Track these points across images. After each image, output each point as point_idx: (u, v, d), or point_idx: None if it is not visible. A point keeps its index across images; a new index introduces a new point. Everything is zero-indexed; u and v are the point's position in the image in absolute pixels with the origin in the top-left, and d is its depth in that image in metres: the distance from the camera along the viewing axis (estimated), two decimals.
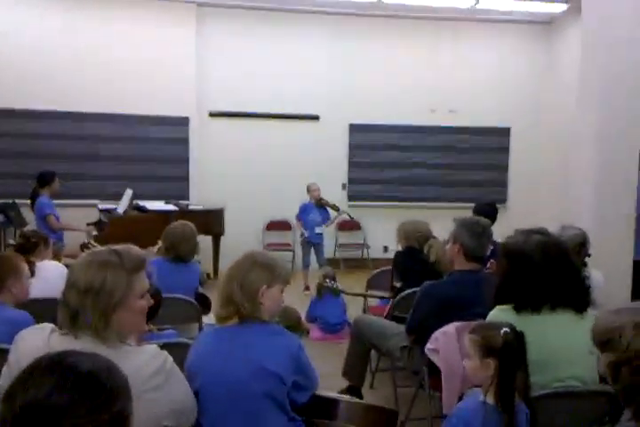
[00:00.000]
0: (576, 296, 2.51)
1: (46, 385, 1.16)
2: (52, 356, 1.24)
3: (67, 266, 3.61)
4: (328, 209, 7.44)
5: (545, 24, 9.09)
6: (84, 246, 4.13)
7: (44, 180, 6.70)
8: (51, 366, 1.21)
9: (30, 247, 3.74)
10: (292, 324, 4.20)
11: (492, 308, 2.55)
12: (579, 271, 2.61)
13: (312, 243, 7.42)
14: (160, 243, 4.05)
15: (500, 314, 2.49)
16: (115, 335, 1.80)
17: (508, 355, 2.12)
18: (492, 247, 4.59)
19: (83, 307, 1.78)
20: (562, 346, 2.41)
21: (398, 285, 4.40)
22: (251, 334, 2.20)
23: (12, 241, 3.80)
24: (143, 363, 1.79)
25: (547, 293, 2.45)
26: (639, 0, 5.05)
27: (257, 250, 2.42)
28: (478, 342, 2.18)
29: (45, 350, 1.33)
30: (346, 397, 2.63)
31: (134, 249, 1.95)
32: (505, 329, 2.16)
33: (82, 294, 1.78)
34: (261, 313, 2.22)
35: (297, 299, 5.89)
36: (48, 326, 1.87)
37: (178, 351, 2.48)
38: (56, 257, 5.96)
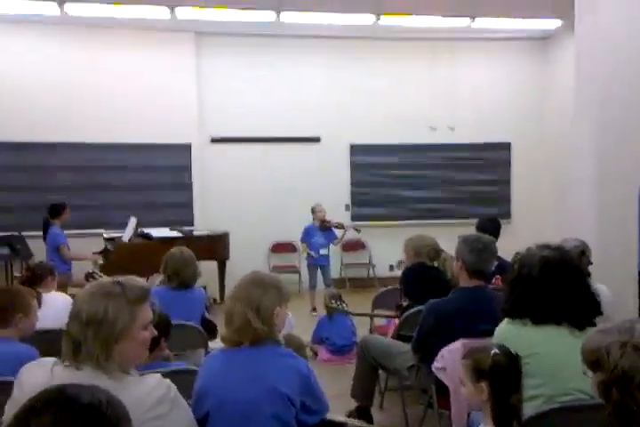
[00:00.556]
0: (584, 310, 2.52)
1: (47, 418, 1.17)
2: (52, 389, 1.26)
3: (72, 296, 3.64)
4: (333, 229, 7.47)
5: (540, 40, 9.18)
6: (88, 276, 4.16)
7: (56, 210, 6.78)
8: (51, 400, 1.22)
9: (36, 279, 3.77)
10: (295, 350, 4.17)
11: (500, 320, 2.57)
12: (586, 285, 2.62)
13: (318, 265, 7.43)
14: (161, 273, 4.05)
15: (509, 327, 2.52)
16: (116, 366, 1.80)
17: (499, 376, 2.10)
18: (496, 263, 4.61)
19: (85, 338, 1.79)
20: (572, 358, 2.40)
21: (405, 303, 4.38)
22: (261, 355, 2.21)
23: (17, 273, 3.81)
24: (146, 392, 1.79)
25: (555, 306, 2.47)
26: (632, 13, 5.10)
27: (259, 271, 2.42)
28: (470, 366, 2.17)
29: (48, 383, 1.34)
30: (355, 421, 2.62)
31: (137, 280, 1.96)
32: (494, 351, 2.14)
33: (84, 325, 1.79)
34: (276, 335, 2.26)
35: (304, 321, 5.88)
36: (50, 359, 1.88)
37: (184, 378, 2.49)
38: (63, 287, 6.03)
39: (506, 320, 2.56)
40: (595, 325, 2.51)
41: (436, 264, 4.50)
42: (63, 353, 1.83)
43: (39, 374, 1.80)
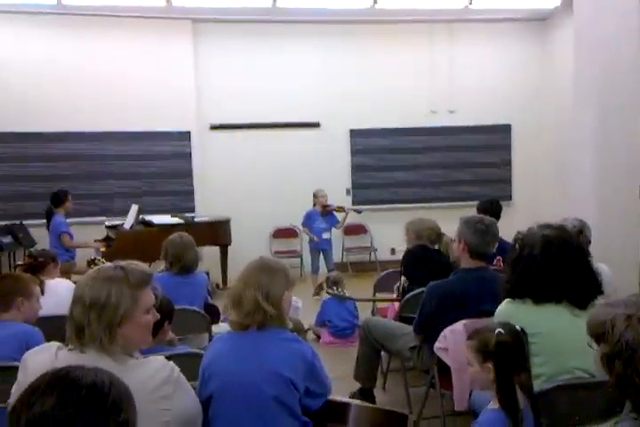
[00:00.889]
0: (585, 288, 2.53)
1: (50, 400, 1.19)
2: (54, 371, 1.27)
3: (75, 283, 3.65)
4: (334, 213, 7.49)
5: (539, 21, 9.11)
6: (90, 262, 4.18)
7: (59, 199, 6.78)
8: (53, 381, 1.23)
9: (38, 267, 3.79)
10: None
11: (502, 300, 2.59)
12: (588, 264, 2.63)
13: (320, 249, 7.45)
14: (162, 259, 4.06)
15: (510, 307, 2.54)
16: (120, 349, 1.83)
17: (503, 355, 2.11)
18: (497, 244, 4.62)
19: (88, 321, 1.81)
20: (572, 337, 2.42)
21: (405, 284, 4.39)
22: (267, 339, 2.24)
23: (20, 262, 3.83)
24: (149, 374, 1.81)
25: (557, 284, 2.48)
26: None
27: (265, 257, 2.46)
28: (475, 347, 2.19)
29: (53, 367, 1.35)
30: (357, 401, 2.65)
31: (139, 265, 1.98)
32: (498, 330, 2.15)
33: (87, 309, 1.81)
34: (285, 318, 2.30)
35: (307, 304, 5.90)
36: (54, 344, 1.90)
37: (188, 361, 2.51)
38: (66, 274, 6.06)
39: (506, 300, 2.57)
40: (594, 302, 2.53)
41: (437, 247, 4.51)
42: (67, 337, 1.85)
43: (44, 359, 1.82)
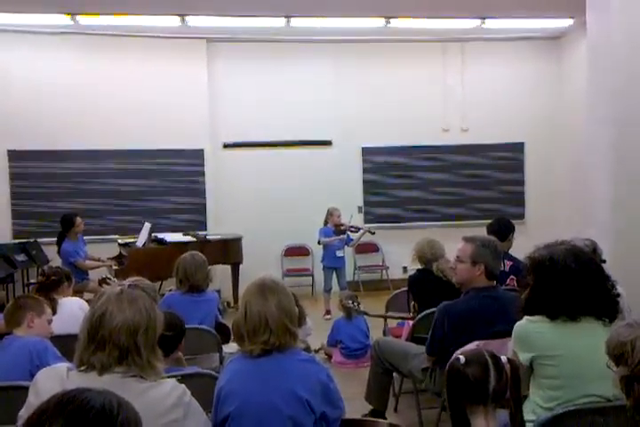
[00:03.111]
0: (606, 304, 2.50)
1: (59, 422, 1.18)
2: (63, 393, 1.26)
3: (88, 301, 3.66)
4: (348, 232, 7.44)
5: (552, 39, 9.12)
6: (102, 281, 4.18)
7: (66, 223, 6.79)
8: (62, 404, 1.23)
9: (51, 285, 3.80)
10: None
11: (519, 319, 2.55)
12: (608, 278, 2.60)
13: (334, 267, 7.41)
14: (174, 277, 4.06)
15: (529, 324, 2.49)
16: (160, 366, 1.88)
17: (457, 386, 1.94)
18: (510, 263, 4.59)
19: (135, 345, 1.83)
20: (591, 360, 2.37)
21: (417, 306, 4.38)
22: (284, 359, 2.22)
23: (33, 280, 3.84)
24: (161, 397, 1.81)
25: (579, 299, 2.44)
26: None
27: (266, 277, 2.38)
28: None
29: (63, 388, 1.35)
30: (371, 419, 2.63)
31: (145, 280, 2.00)
32: (461, 356, 1.97)
33: (131, 333, 1.83)
34: (299, 340, 2.30)
35: (318, 324, 5.86)
36: (64, 365, 1.90)
37: (198, 382, 2.50)
38: (79, 293, 6.07)
39: (526, 318, 2.52)
40: (614, 320, 2.49)
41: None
42: (101, 362, 1.82)
43: (54, 380, 1.82)
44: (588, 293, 2.46)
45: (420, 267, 4.58)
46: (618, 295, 2.57)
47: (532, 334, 2.45)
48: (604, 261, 3.75)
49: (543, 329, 2.46)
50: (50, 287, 3.77)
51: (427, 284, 4.28)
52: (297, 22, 7.78)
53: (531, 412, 2.41)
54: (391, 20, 7.75)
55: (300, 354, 2.27)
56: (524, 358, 2.46)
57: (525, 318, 2.52)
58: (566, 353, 2.38)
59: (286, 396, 2.13)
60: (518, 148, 9.22)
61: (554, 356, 2.37)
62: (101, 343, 1.82)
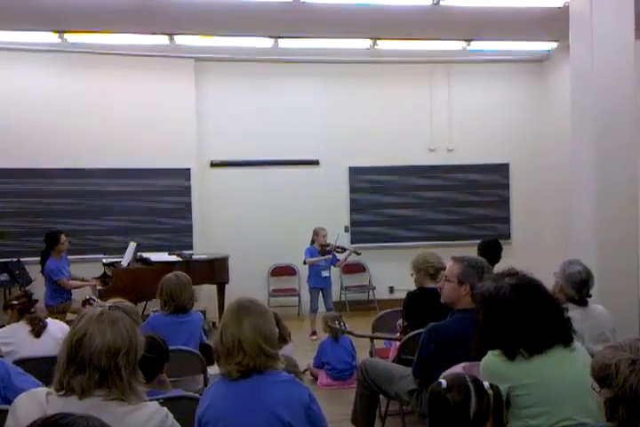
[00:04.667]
0: (560, 330, 2.48)
1: None
2: (46, 418, 1.24)
3: (69, 323, 3.61)
4: (334, 253, 7.42)
5: (537, 62, 9.26)
6: (85, 302, 4.13)
7: (51, 240, 6.72)
8: None
9: (32, 304, 3.73)
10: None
11: (479, 356, 2.50)
12: (557, 305, 2.58)
13: (320, 287, 7.37)
14: (157, 298, 4.02)
15: (493, 360, 2.44)
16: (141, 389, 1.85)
17: (439, 411, 1.93)
18: None
19: (116, 368, 1.80)
20: (562, 383, 2.37)
21: (405, 325, 4.33)
22: (264, 381, 2.19)
23: (15, 301, 3.76)
24: (144, 420, 1.79)
25: (531, 333, 2.40)
26: (625, 30, 5.16)
27: (248, 298, 2.38)
28: None
29: (43, 413, 1.32)
30: None
31: (126, 302, 1.98)
32: (442, 381, 1.96)
33: (112, 356, 1.80)
34: (279, 358, 2.26)
35: (304, 345, 5.83)
36: (42, 389, 1.86)
37: (182, 405, 2.46)
38: (62, 314, 6.01)
39: (490, 353, 2.46)
40: (572, 342, 2.48)
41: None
42: (80, 385, 1.79)
43: (33, 405, 1.78)
44: (539, 324, 2.42)
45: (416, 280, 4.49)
46: (568, 320, 2.54)
47: (501, 367, 2.40)
48: (590, 296, 3.74)
49: (504, 365, 2.40)
50: (30, 307, 3.71)
51: (425, 305, 4.16)
52: (285, 43, 7.85)
53: None
54: (378, 42, 7.85)
55: (280, 375, 2.23)
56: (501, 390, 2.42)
57: (489, 352, 2.46)
58: (537, 380, 2.35)
59: (268, 420, 2.10)
60: (503, 168, 9.30)
61: (527, 384, 2.34)
62: (81, 366, 1.79)
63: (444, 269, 4.29)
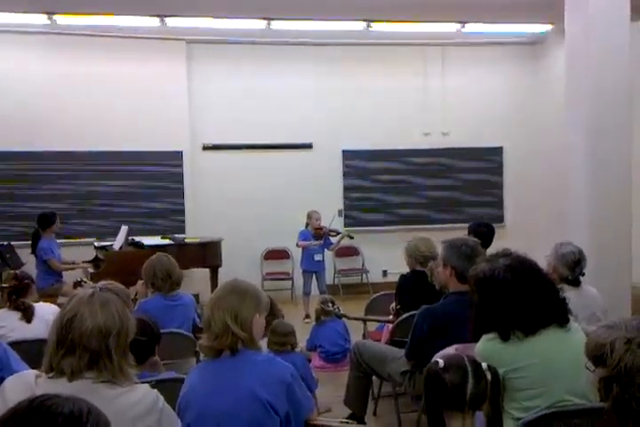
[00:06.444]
0: (556, 310, 2.47)
1: None
2: (30, 400, 1.23)
3: (60, 305, 3.59)
4: (328, 236, 7.41)
5: (532, 44, 9.21)
6: (77, 284, 4.11)
7: (46, 221, 6.68)
8: (30, 410, 1.20)
9: (23, 288, 3.71)
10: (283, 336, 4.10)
11: (475, 339, 2.48)
12: (552, 285, 2.57)
13: (313, 271, 7.37)
14: (147, 282, 3.99)
15: (488, 344, 2.42)
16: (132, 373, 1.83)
17: (435, 392, 1.92)
18: None
19: (107, 350, 1.78)
20: (558, 364, 2.37)
21: (398, 308, 4.33)
22: (241, 363, 2.20)
23: (5, 284, 3.74)
24: (134, 403, 1.78)
25: (527, 314, 2.38)
26: (621, 13, 5.14)
27: (238, 279, 2.40)
28: None
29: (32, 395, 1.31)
30: (335, 422, 2.60)
31: (119, 285, 1.97)
32: (439, 360, 1.95)
33: (103, 337, 1.78)
34: (256, 342, 2.25)
35: (297, 328, 5.81)
36: (31, 372, 1.85)
37: (173, 387, 2.45)
38: (53, 297, 5.97)
39: (484, 337, 2.44)
40: (568, 322, 2.47)
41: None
42: (71, 367, 1.78)
43: (22, 387, 1.77)
44: (534, 305, 2.39)
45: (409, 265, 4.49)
46: (564, 300, 2.52)
47: (496, 351, 2.38)
48: (584, 274, 3.75)
49: (500, 348, 2.38)
50: (22, 291, 3.69)
51: (417, 287, 4.17)
52: (278, 25, 7.76)
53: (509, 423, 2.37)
54: (372, 24, 7.78)
55: (256, 355, 2.24)
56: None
57: (483, 337, 2.44)
58: (532, 362, 2.34)
59: (245, 398, 2.11)
60: (497, 152, 9.28)
61: (523, 367, 2.33)
62: (71, 347, 1.77)
63: (434, 258, 4.25)
